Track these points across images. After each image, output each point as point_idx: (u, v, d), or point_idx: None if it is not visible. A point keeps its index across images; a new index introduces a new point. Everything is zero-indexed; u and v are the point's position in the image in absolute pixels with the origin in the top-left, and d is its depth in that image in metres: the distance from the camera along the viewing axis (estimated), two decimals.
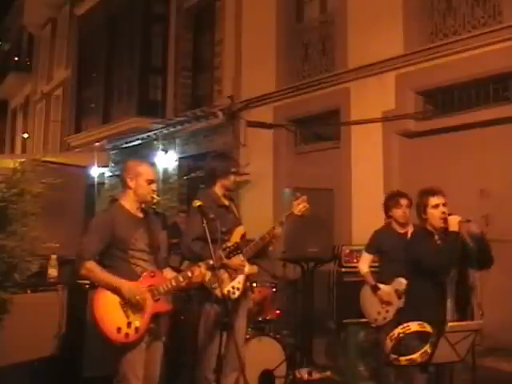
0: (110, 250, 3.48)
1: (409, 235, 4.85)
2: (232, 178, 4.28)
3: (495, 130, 6.38)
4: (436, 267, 3.58)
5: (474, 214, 3.72)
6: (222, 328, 3.74)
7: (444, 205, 3.70)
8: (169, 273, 3.69)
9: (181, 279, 3.53)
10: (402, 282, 4.68)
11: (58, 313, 4.66)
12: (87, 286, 4.86)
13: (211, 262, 3.56)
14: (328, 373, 5.85)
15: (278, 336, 5.12)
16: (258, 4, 9.61)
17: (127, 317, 3.36)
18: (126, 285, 3.37)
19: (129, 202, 3.59)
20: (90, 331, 4.71)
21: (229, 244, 3.89)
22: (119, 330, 3.32)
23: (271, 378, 4.84)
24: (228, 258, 3.87)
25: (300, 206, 4.17)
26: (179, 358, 5.12)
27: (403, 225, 4.89)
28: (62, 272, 5.13)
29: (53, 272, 4.90)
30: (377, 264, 5.06)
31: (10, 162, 6.70)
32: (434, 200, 3.69)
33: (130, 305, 3.37)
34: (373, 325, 4.97)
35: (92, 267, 3.40)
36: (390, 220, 5.01)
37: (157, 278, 3.52)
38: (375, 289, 4.88)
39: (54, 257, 4.92)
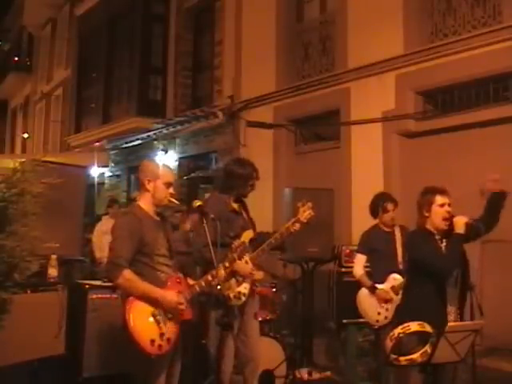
0: (135, 255, 3.35)
1: (396, 233, 4.95)
2: (249, 189, 4.30)
3: (495, 130, 6.38)
4: (441, 271, 3.56)
5: (474, 213, 3.69)
6: (224, 328, 3.75)
7: (449, 205, 3.68)
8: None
9: (203, 284, 3.49)
10: (396, 278, 4.75)
11: (58, 313, 4.65)
12: (87, 286, 4.88)
13: (227, 264, 3.56)
14: (328, 373, 5.86)
15: (278, 336, 5.13)
16: (258, 4, 9.61)
17: (160, 328, 3.27)
18: (166, 295, 3.29)
19: (147, 205, 3.48)
20: (89, 331, 4.73)
21: (237, 243, 3.88)
22: (153, 342, 3.21)
23: (271, 378, 4.84)
24: (239, 258, 3.85)
25: (306, 213, 4.17)
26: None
27: (390, 226, 5.08)
28: (62, 272, 5.13)
29: (53, 272, 4.89)
30: (368, 264, 5.14)
31: (10, 162, 6.69)
32: (440, 199, 3.65)
33: (165, 315, 3.30)
34: (375, 326, 4.97)
35: (131, 276, 3.26)
36: (377, 221, 5.16)
37: (182, 284, 3.45)
38: (373, 289, 4.91)
39: (53, 257, 4.91)
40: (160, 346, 3.25)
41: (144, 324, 3.24)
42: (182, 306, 3.33)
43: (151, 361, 3.26)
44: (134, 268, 3.33)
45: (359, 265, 5.12)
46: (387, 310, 4.83)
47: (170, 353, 3.36)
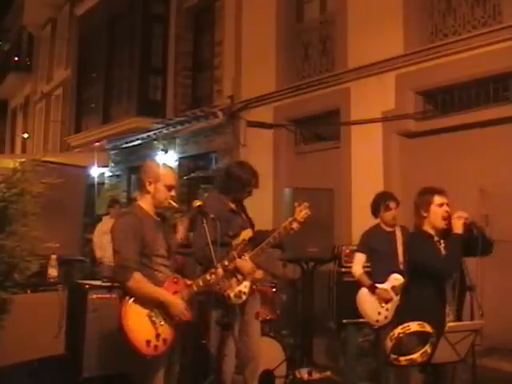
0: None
1: (397, 233, 4.95)
2: (246, 194, 4.31)
3: (495, 130, 6.38)
4: (441, 272, 3.56)
5: (474, 214, 3.70)
6: (224, 328, 3.76)
7: (447, 205, 3.68)
8: None
9: (201, 283, 3.47)
10: (397, 278, 4.75)
11: (58, 313, 4.66)
12: (87, 286, 4.88)
13: (226, 263, 3.55)
14: (328, 373, 5.85)
15: (277, 336, 5.13)
16: (257, 4, 9.61)
17: (155, 329, 3.27)
18: (174, 299, 3.30)
19: (147, 205, 3.47)
20: (89, 331, 4.73)
21: (237, 242, 3.89)
22: (148, 343, 3.21)
23: (271, 378, 4.84)
24: (239, 256, 3.85)
25: (302, 213, 4.16)
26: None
27: (391, 225, 5.06)
28: (62, 272, 5.13)
29: (53, 272, 4.89)
30: (368, 264, 5.13)
31: (10, 162, 6.70)
32: (439, 199, 3.65)
33: (161, 316, 3.29)
34: (375, 326, 4.97)
35: (141, 279, 3.26)
36: (378, 221, 5.14)
37: (180, 284, 3.45)
38: (373, 288, 4.91)
39: (53, 257, 4.92)
40: (156, 346, 3.24)
41: (140, 325, 3.24)
42: (185, 308, 3.32)
43: (149, 361, 3.26)
44: None
45: (358, 264, 5.11)
46: (387, 309, 4.83)
47: (166, 353, 3.35)
